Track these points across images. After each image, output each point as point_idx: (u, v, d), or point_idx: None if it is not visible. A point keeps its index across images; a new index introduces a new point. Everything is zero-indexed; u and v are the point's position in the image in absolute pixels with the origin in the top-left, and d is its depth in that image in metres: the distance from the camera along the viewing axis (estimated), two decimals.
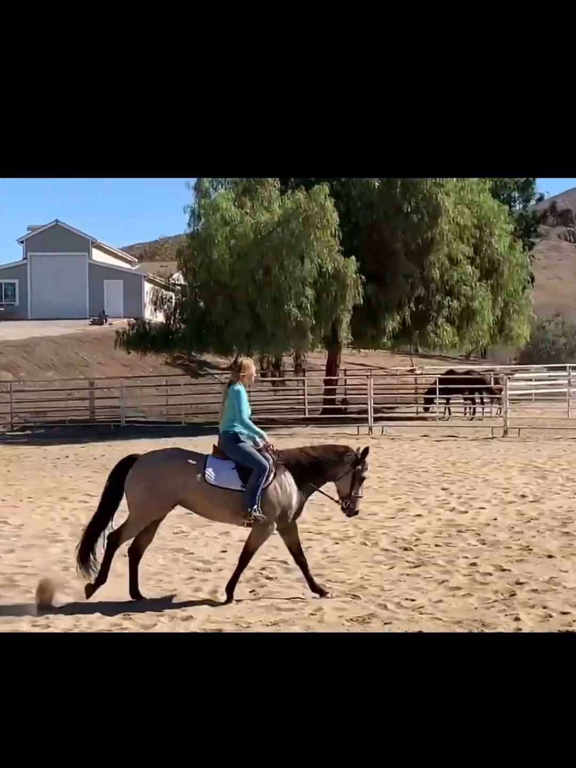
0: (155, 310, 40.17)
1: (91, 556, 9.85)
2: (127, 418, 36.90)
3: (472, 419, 35.00)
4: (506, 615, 8.95)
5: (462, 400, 37.12)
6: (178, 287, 40.56)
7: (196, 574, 11.02)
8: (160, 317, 40.21)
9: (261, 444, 9.94)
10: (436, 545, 12.38)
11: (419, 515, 14.66)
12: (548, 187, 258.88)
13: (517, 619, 8.80)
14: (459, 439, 27.92)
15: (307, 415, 35.55)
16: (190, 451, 10.47)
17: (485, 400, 36.62)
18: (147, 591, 10.09)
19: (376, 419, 31.79)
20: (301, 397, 39.12)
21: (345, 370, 43.69)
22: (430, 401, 35.93)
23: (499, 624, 8.64)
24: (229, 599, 9.76)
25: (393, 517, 14.54)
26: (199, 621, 9.03)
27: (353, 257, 33.20)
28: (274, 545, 11.82)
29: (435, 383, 35.29)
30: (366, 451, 10.17)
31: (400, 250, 34.94)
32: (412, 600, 9.62)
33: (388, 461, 22.31)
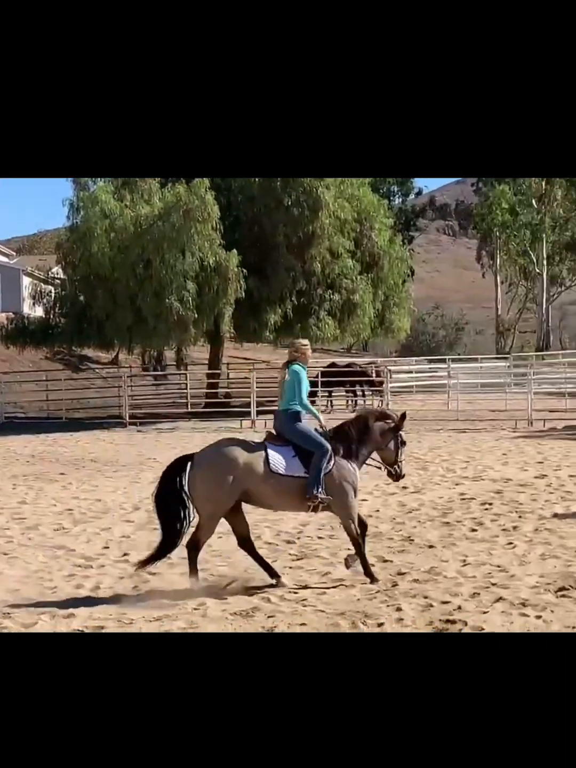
0: (34, 304, 39.61)
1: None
2: (6, 414, 36.29)
3: (353, 411, 35.26)
4: (388, 605, 9.03)
5: (344, 393, 37.39)
6: (58, 281, 39.97)
7: (78, 571, 10.87)
8: (39, 311, 39.66)
9: (318, 425, 10.21)
10: (319, 538, 12.44)
11: None
12: (427, 181, 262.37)
13: (398, 609, 8.87)
14: None
15: (189, 410, 35.41)
16: (244, 440, 10.42)
17: (367, 393, 36.92)
18: (27, 589, 9.95)
19: (259, 413, 31.80)
20: (184, 391, 38.97)
21: (228, 363, 43.67)
22: (312, 394, 36.01)
23: (380, 615, 8.71)
24: (374, 579, 9.95)
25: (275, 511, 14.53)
26: (81, 618, 8.90)
27: (235, 250, 33.15)
28: (154, 541, 11.73)
29: (317, 376, 35.43)
30: (404, 415, 10.54)
31: (281, 243, 35.02)
32: (295, 592, 9.64)
33: None
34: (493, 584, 9.73)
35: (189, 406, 35.95)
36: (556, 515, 13.43)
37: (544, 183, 70.26)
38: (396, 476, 10.64)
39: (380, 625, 8.40)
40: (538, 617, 8.50)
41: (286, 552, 11.60)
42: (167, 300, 31.93)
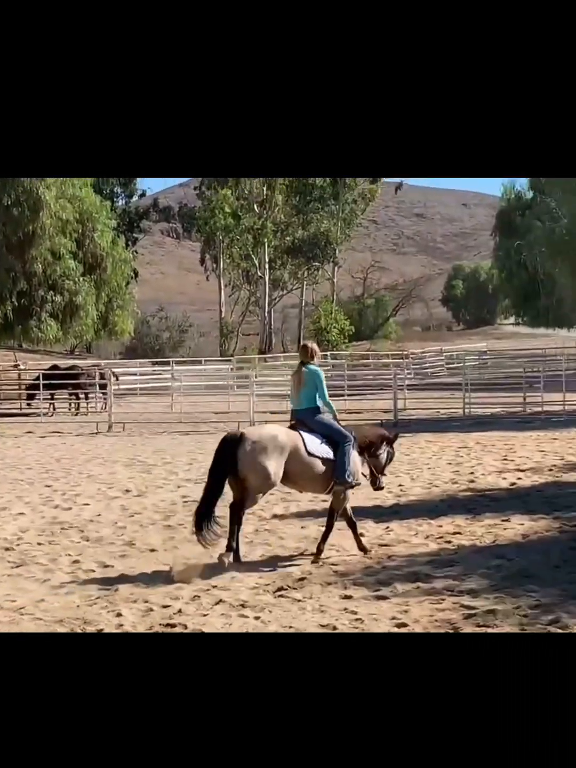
0: None
1: (206, 526, 10.54)
2: None
3: (76, 414, 34.79)
4: (108, 611, 8.94)
5: (67, 395, 36.82)
6: None
7: None
8: None
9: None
10: (39, 544, 12.19)
11: (22, 514, 14.37)
12: (151, 183, 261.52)
13: (119, 614, 8.80)
14: (64, 435, 27.70)
15: None
16: (282, 427, 11.32)
17: (90, 395, 36.50)
18: None
19: None
20: None
21: None
22: (31, 397, 35.28)
23: (100, 621, 8.61)
24: (365, 550, 11.09)
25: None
26: None
27: None
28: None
29: (37, 379, 34.73)
30: (397, 435, 12.48)
31: (0, 243, 34.19)
32: (13, 601, 9.40)
33: None
34: (214, 586, 9.80)
35: None
36: (275, 516, 13.69)
37: (265, 188, 71.67)
38: (378, 485, 11.97)
39: (100, 631, 8.31)
40: (257, 618, 8.63)
41: (4, 559, 11.30)
42: None
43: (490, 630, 7.95)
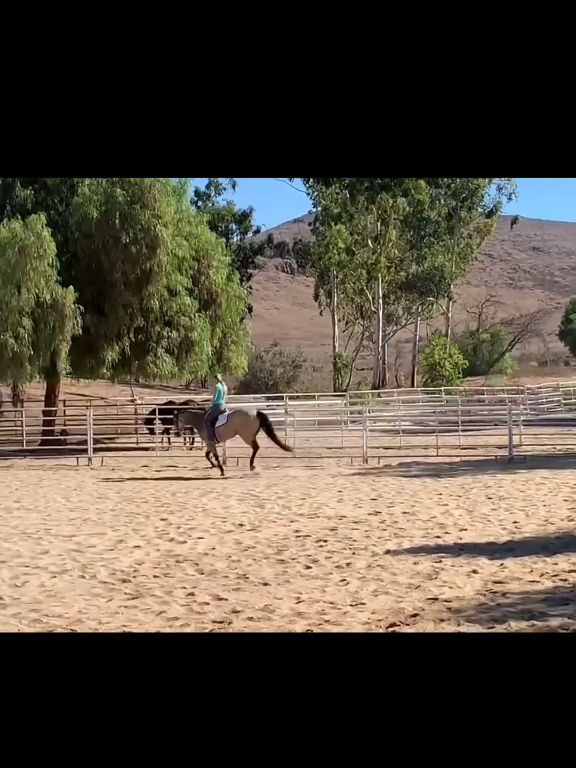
0: None
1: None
2: None
3: (191, 449, 35.14)
4: None
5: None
6: None
7: None
8: None
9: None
10: (155, 576, 12.38)
11: (138, 546, 14.63)
12: (266, 219, 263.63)
13: None
14: (179, 469, 28.04)
15: (25, 447, 34.77)
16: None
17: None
18: None
19: (96, 450, 31.51)
20: (20, 428, 38.20)
21: (64, 400, 43.08)
22: (151, 432, 35.87)
23: None
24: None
25: (112, 549, 14.44)
26: None
27: (71, 287, 32.91)
28: None
29: (153, 413, 35.24)
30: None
31: (119, 280, 34.85)
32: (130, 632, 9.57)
33: (107, 492, 22.15)
34: (326, 621, 9.84)
35: (24, 444, 35.26)
36: (388, 552, 13.68)
37: (379, 224, 71.89)
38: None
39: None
40: None
41: (121, 591, 11.51)
42: (2, 336, 31.50)
43: None
